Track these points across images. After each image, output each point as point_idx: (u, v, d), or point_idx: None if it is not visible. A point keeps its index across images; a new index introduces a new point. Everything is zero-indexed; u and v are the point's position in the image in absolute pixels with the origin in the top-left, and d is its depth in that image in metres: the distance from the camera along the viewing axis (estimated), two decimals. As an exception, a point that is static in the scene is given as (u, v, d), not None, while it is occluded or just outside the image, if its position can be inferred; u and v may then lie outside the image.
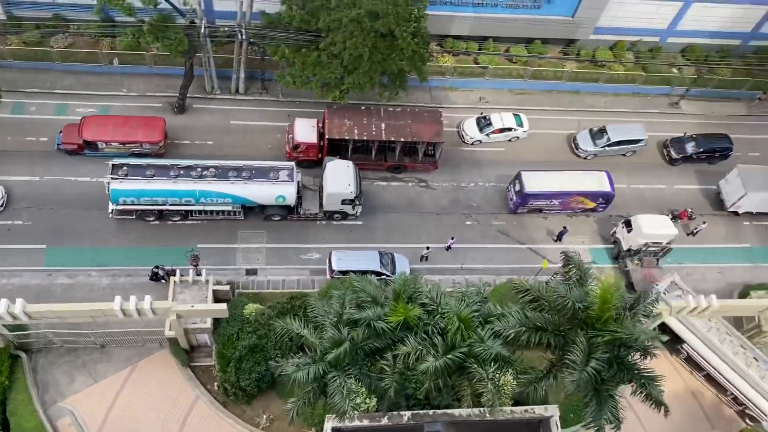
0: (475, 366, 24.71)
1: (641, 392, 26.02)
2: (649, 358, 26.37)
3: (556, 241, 40.25)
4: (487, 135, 42.88)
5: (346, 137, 39.01)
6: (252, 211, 37.88)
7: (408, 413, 25.64)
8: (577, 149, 43.75)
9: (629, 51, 47.38)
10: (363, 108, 40.33)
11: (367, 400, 25.03)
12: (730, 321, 36.42)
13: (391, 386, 24.96)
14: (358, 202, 38.09)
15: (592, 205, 41.32)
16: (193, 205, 36.29)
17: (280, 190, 36.25)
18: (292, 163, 37.49)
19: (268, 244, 37.83)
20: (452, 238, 38.67)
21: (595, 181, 40.46)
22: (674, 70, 47.71)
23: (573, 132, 44.90)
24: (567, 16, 43.88)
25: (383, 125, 39.47)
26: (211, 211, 37.24)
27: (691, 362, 35.83)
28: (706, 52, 48.10)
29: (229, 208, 36.80)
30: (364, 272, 33.36)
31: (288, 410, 25.34)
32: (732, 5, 44.41)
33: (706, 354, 34.51)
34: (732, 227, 42.57)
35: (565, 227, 40.27)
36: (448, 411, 25.83)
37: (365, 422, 25.14)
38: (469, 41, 45.75)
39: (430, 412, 25.78)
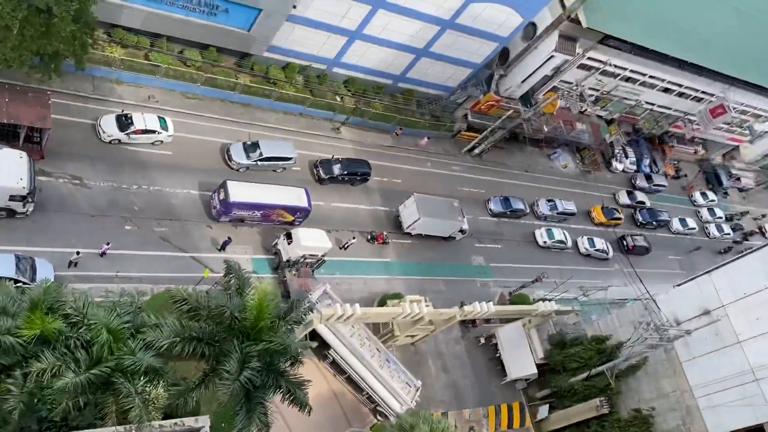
0: (123, 381, 23.13)
1: (289, 397, 27.45)
2: (298, 365, 28.04)
3: (220, 251, 40.23)
4: (128, 135, 39.90)
5: None
6: None
7: (38, 439, 22.70)
8: (230, 161, 43.66)
9: (300, 74, 50.19)
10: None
11: (-15, 428, 21.45)
12: (369, 327, 40.90)
13: (16, 408, 21.81)
14: (30, 200, 33.67)
15: (290, 218, 43.01)
16: None
17: None
18: None
19: None
20: (108, 243, 35.79)
21: (294, 197, 42.79)
22: (337, 98, 52.12)
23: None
24: (243, 29, 44.59)
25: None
26: None
27: (336, 366, 39.10)
28: (364, 86, 53.66)
29: None
30: (-6, 278, 28.69)
31: None
32: (387, 48, 50.42)
33: (347, 357, 38.05)
34: (376, 245, 47.92)
35: (229, 237, 40.53)
36: (88, 431, 23.58)
37: (-19, 454, 21.46)
38: (141, 36, 43.27)
39: (66, 434, 23.22)
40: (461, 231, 51.54)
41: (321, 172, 47.30)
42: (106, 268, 35.89)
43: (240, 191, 40.16)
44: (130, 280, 35.96)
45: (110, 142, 39.93)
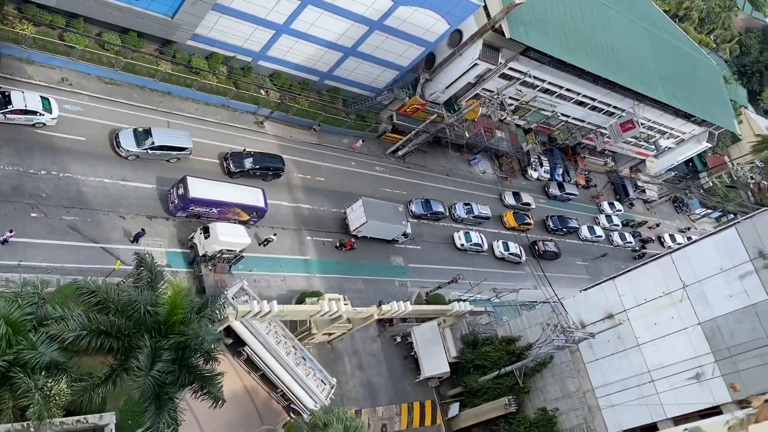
0: (21, 375, 22.01)
1: (202, 391, 26.93)
2: (212, 362, 27.55)
3: (133, 242, 38.88)
4: (4, 114, 36.52)
5: None
6: None
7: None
8: (118, 147, 40.78)
9: (224, 65, 49.23)
10: None
11: None
12: (287, 324, 40.62)
13: None
14: None
15: (246, 217, 43.37)
16: None
17: None
18: None
19: None
20: (11, 231, 33.85)
21: (252, 197, 43.31)
22: (262, 91, 51.46)
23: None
24: (167, 15, 43.25)
25: None
26: None
27: (250, 363, 38.61)
28: (290, 81, 53.22)
29: None
30: None
31: None
32: (314, 45, 50.22)
33: (263, 354, 37.66)
34: (297, 240, 47.69)
35: (143, 229, 39.25)
36: (-19, 429, 22.31)
37: None
38: (56, 14, 41.18)
39: (-44, 432, 21.85)
40: (404, 234, 52.92)
41: (231, 165, 45.68)
42: (8, 257, 33.94)
43: (199, 187, 40.52)
44: (34, 270, 34.18)
45: None
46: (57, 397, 23.17)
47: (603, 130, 73.14)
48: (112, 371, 25.22)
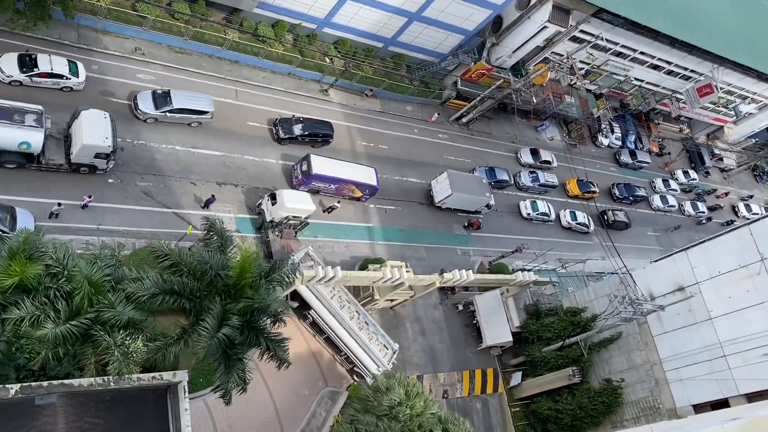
0: (102, 333, 23.24)
1: (269, 354, 27.77)
2: (278, 324, 28.31)
3: (203, 208, 40.09)
4: (30, 78, 36.44)
5: None
6: None
7: (16, 386, 22.80)
8: (136, 110, 39.90)
9: (289, 32, 49.48)
10: None
11: (-37, 374, 21.56)
12: (350, 290, 41.25)
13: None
14: (112, 158, 36.01)
15: (359, 194, 46.16)
16: None
17: (26, 136, 32.67)
18: (41, 108, 33.50)
19: None
20: (90, 196, 35.50)
21: (366, 174, 45.83)
22: (327, 59, 51.53)
23: (231, 101, 45.15)
24: (234, -16, 43.83)
25: None
26: None
27: (315, 326, 39.50)
28: (354, 49, 53.05)
29: None
30: (-27, 226, 28.48)
31: None
32: (379, 10, 49.77)
33: (327, 318, 38.45)
34: (360, 208, 48.04)
35: (213, 195, 40.35)
36: (66, 381, 23.75)
37: (-43, 399, 21.59)
38: (128, -15, 42.34)
39: (44, 383, 23.34)
40: (487, 206, 53.20)
41: (280, 131, 45.73)
42: (88, 221, 35.68)
43: (321, 165, 43.57)
44: (111, 234, 35.84)
45: (10, 83, 36.28)
46: (134, 355, 24.38)
47: (679, 96, 69.79)
48: (185, 331, 26.27)
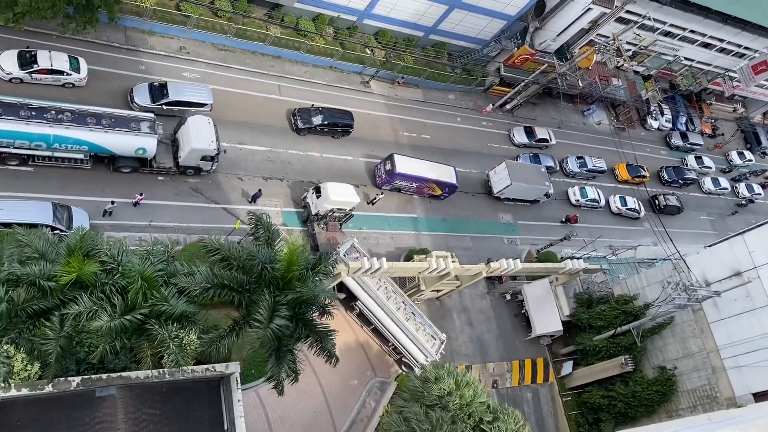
0: (157, 326, 23.90)
1: (317, 346, 28.10)
2: (326, 316, 28.60)
3: (250, 202, 40.72)
4: (30, 74, 35.89)
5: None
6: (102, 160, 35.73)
7: (77, 379, 23.71)
8: (131, 102, 38.85)
9: (330, 25, 49.63)
10: None
11: (29, 367, 22.49)
12: (396, 280, 41.33)
13: (55, 350, 22.77)
14: (216, 159, 38.14)
15: (439, 192, 47.40)
16: (41, 150, 33.32)
17: (142, 142, 35.15)
18: (153, 116, 36.23)
19: None
20: (141, 194, 36.48)
21: (446, 173, 47.08)
22: (368, 51, 51.51)
23: (274, 96, 45.61)
24: (274, -21, 44.18)
25: None
26: (58, 158, 34.22)
27: (362, 317, 39.74)
28: (395, 39, 52.87)
29: (81, 156, 34.64)
30: (32, 226, 29.56)
31: None
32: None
33: (374, 309, 38.62)
34: (404, 198, 47.99)
35: (260, 190, 40.93)
36: (124, 374, 24.58)
37: (24, 391, 22.52)
38: (172, -15, 43.15)
39: (104, 376, 24.21)
40: (546, 195, 53.01)
41: (299, 122, 44.59)
42: (140, 218, 36.66)
43: (405, 164, 45.11)
44: (163, 230, 36.74)
45: (10, 81, 35.88)
46: (188, 347, 25.02)
47: (732, 74, 67.29)
48: (236, 324, 26.82)
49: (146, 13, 41.59)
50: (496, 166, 51.18)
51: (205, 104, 40.57)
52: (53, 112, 33.09)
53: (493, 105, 55.55)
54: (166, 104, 39.49)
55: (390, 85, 52.19)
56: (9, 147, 32.78)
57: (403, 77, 52.68)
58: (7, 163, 33.73)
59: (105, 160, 36.23)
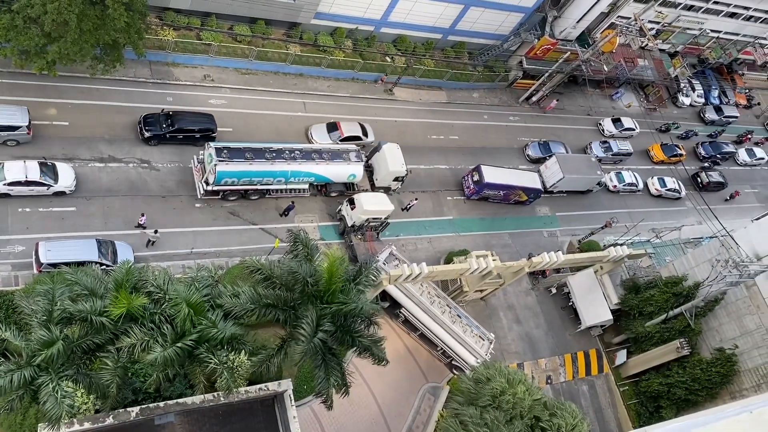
0: (206, 352, 24.25)
1: (366, 354, 28.11)
2: (372, 327, 28.61)
3: (283, 215, 40.96)
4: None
5: None
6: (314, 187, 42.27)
7: (136, 409, 24.23)
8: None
9: (348, 38, 49.98)
10: None
11: (87, 401, 23.04)
12: (438, 284, 41.19)
13: (113, 382, 23.29)
14: (403, 180, 43.78)
15: (525, 198, 48.73)
16: (279, 184, 39.60)
17: (352, 170, 41.30)
18: (357, 147, 42.23)
19: None
20: (142, 215, 36.31)
21: (531, 179, 48.64)
22: (388, 59, 51.66)
23: (300, 114, 46.07)
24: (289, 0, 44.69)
25: None
26: (285, 189, 40.83)
27: (408, 324, 39.69)
28: (414, 44, 52.93)
29: (305, 186, 41.05)
30: (80, 263, 30.38)
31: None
32: (434, 1, 49.37)
33: (419, 315, 38.53)
34: (438, 202, 47.87)
35: (292, 202, 41.21)
36: (180, 400, 25.02)
37: (86, 425, 23.10)
38: (191, 16, 43.96)
39: (161, 404, 24.67)
40: (598, 184, 53.32)
41: (144, 131, 39.01)
42: (182, 246, 37.33)
43: (492, 174, 46.88)
44: (205, 256, 37.36)
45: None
46: (239, 369, 25.31)
47: (763, 41, 65.43)
48: (284, 342, 27.03)
49: (169, 45, 42.50)
50: (546, 162, 51.17)
51: (18, 127, 34.99)
52: (287, 152, 39.03)
53: (557, 100, 55.69)
54: None
55: (414, 89, 52.16)
56: (258, 183, 38.63)
57: (386, 74, 50.69)
58: (229, 199, 39.35)
59: (319, 188, 42.60)
